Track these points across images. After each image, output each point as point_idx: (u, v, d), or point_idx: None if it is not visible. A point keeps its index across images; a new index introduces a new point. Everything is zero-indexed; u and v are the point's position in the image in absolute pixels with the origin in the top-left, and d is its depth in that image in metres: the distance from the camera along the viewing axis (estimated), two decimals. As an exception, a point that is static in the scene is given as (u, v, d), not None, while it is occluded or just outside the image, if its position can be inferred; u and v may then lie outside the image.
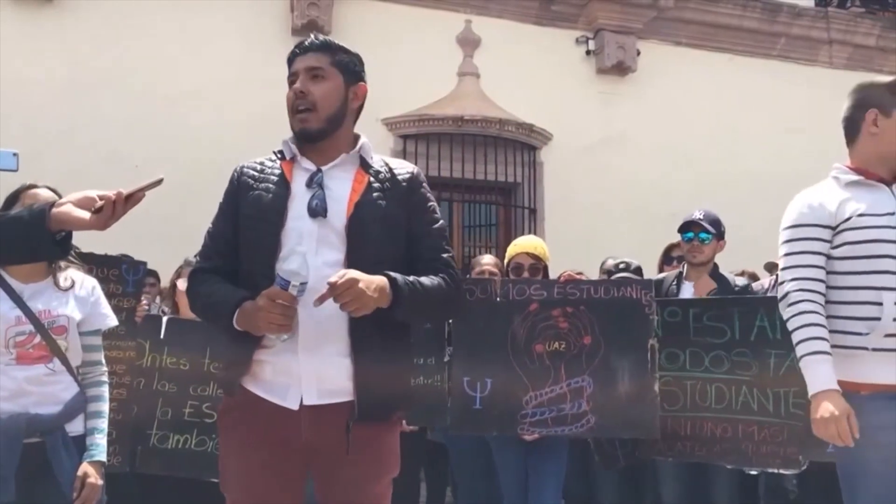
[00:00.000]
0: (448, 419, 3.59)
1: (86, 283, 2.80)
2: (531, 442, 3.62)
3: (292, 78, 2.19)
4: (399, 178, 2.21)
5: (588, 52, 8.73)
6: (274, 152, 2.24)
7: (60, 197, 2.17)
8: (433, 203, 2.27)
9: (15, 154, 2.72)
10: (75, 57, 7.06)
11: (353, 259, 2.05)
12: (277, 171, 2.18)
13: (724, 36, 9.11)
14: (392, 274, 2.04)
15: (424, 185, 2.27)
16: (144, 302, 4.15)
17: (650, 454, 3.67)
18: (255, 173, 2.20)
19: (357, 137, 2.25)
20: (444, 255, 2.21)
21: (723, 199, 7.34)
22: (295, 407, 2.04)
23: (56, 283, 2.71)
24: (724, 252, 4.24)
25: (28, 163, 2.77)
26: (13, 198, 2.67)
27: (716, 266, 4.16)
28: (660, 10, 8.73)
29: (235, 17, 7.46)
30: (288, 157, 2.20)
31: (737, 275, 4.67)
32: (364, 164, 2.19)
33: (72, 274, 2.77)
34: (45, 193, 2.64)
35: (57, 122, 6.83)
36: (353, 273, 1.96)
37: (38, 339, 2.61)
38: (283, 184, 2.14)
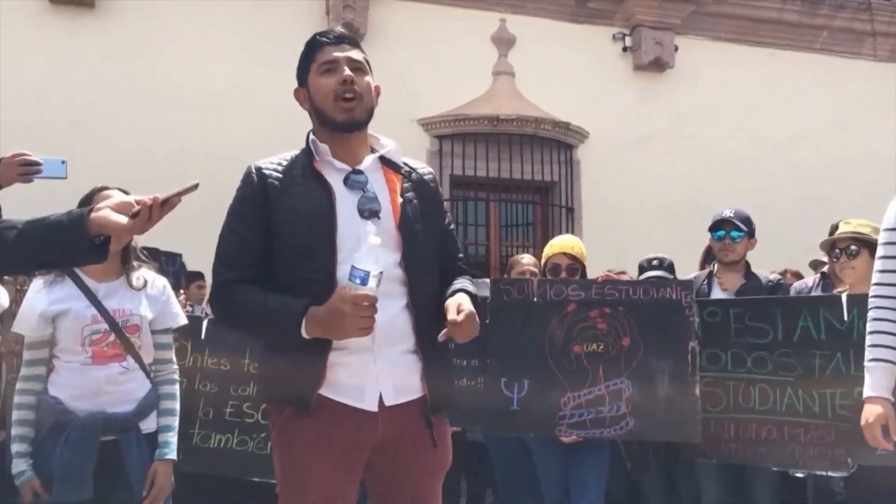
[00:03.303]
0: (485, 420, 3.57)
1: (157, 283, 2.87)
2: (571, 443, 3.59)
3: (328, 66, 2.10)
4: (425, 178, 2.23)
5: (625, 49, 8.65)
6: (301, 151, 2.17)
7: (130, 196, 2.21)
8: (446, 204, 2.36)
9: (63, 161, 2.76)
10: (116, 61, 7.20)
11: (409, 258, 2.07)
12: (310, 172, 2.09)
13: (764, 30, 8.96)
14: (467, 287, 2.12)
15: (439, 186, 2.33)
16: (182, 293, 4.24)
17: (693, 456, 3.62)
18: (280, 174, 2.10)
19: (374, 138, 2.23)
20: (462, 255, 2.29)
21: (764, 198, 7.24)
22: (374, 408, 2.02)
23: (129, 283, 2.77)
24: (770, 251, 4.17)
25: (73, 166, 2.82)
26: (87, 200, 2.71)
27: (747, 264, 4.09)
28: (698, 4, 8.62)
29: (271, 20, 7.53)
30: (316, 156, 2.12)
31: (779, 273, 4.59)
32: (389, 165, 2.18)
33: (144, 273, 2.84)
34: (116, 195, 2.67)
35: (100, 126, 6.96)
36: (467, 305, 2.01)
37: (112, 337, 2.68)
38: (324, 185, 2.07)
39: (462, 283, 2.17)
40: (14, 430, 2.66)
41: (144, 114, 7.13)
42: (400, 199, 2.11)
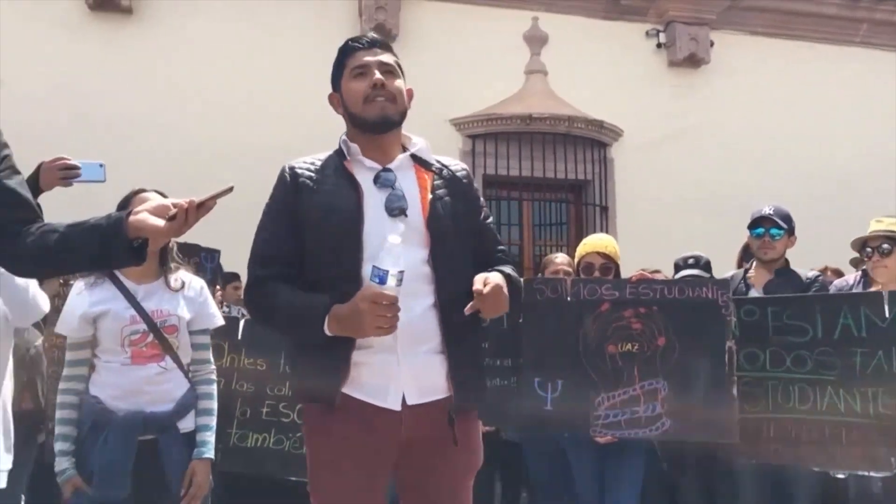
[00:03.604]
0: (519, 420, 3.56)
1: (194, 284, 2.92)
2: (606, 444, 3.57)
3: (360, 70, 2.13)
4: (458, 175, 2.23)
5: (659, 46, 8.57)
6: (334, 152, 2.19)
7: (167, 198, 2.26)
8: (481, 198, 2.33)
9: (101, 165, 2.81)
10: (153, 65, 7.32)
11: (437, 256, 2.07)
12: (341, 171, 2.12)
13: (802, 23, 8.80)
14: (504, 269, 2.12)
15: (474, 182, 2.32)
16: (219, 289, 4.30)
17: (731, 457, 3.57)
18: (312, 173, 2.13)
19: (406, 138, 2.25)
20: (503, 247, 2.27)
21: (802, 195, 7.12)
22: (397, 407, 2.03)
23: (167, 284, 2.83)
24: (810, 248, 4.10)
25: (109, 171, 2.87)
26: (125, 202, 2.78)
27: (786, 262, 4.02)
28: (734, -2, 8.51)
29: (303, 23, 7.59)
30: (348, 156, 2.15)
31: (819, 270, 4.51)
32: (420, 163, 2.19)
33: (182, 275, 2.90)
34: (153, 197, 2.73)
35: (135, 131, 7.07)
36: (495, 278, 2.01)
37: (150, 337, 2.73)
38: (353, 184, 2.09)
39: (500, 267, 2.17)
40: (57, 429, 2.72)
41: (181, 116, 7.23)
42: (430, 197, 2.11)
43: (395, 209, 2.07)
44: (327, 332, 1.98)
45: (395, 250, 1.92)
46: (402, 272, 1.91)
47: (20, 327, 2.94)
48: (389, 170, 2.13)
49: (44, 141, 5.56)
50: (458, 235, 2.11)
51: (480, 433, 2.23)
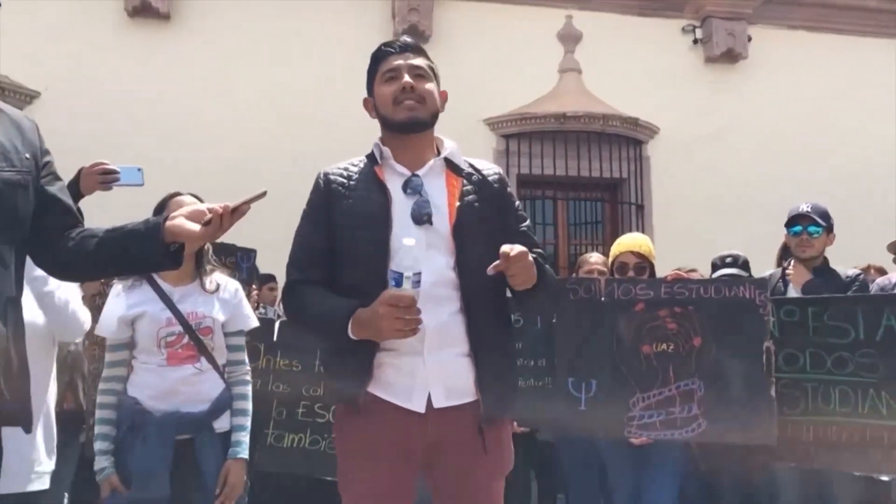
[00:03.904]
0: (553, 421, 3.55)
1: (229, 286, 2.97)
2: (641, 445, 3.53)
3: (391, 74, 2.16)
4: (489, 179, 2.22)
5: (695, 41, 8.47)
6: (366, 157, 2.22)
7: (202, 203, 2.30)
8: (518, 202, 2.31)
9: (139, 169, 2.87)
10: (191, 71, 7.43)
11: (463, 262, 2.08)
12: (371, 177, 2.15)
13: (842, 17, 8.63)
14: (533, 252, 2.10)
15: (509, 185, 2.30)
16: (255, 289, 4.35)
17: (769, 460, 3.52)
18: (344, 179, 2.16)
19: (439, 141, 2.25)
20: (538, 251, 2.24)
21: (843, 192, 6.98)
22: (422, 410, 2.04)
23: (203, 286, 2.87)
24: (852, 247, 4.01)
25: (148, 175, 2.93)
26: (161, 206, 2.84)
27: (825, 260, 3.94)
28: (772, -8, 8.37)
29: (337, 26, 7.64)
30: (379, 161, 2.18)
31: (861, 269, 4.42)
32: (452, 167, 2.20)
33: (217, 277, 2.94)
34: (188, 200, 2.78)
35: (175, 136, 7.19)
36: (521, 246, 2.00)
37: (186, 339, 2.78)
38: (381, 190, 2.11)
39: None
40: (96, 429, 2.77)
41: (218, 120, 7.33)
42: (458, 203, 2.12)
43: (422, 216, 2.08)
44: (351, 336, 2.01)
45: (412, 252, 1.93)
46: (418, 274, 1.92)
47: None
48: (418, 176, 2.15)
49: (85, 146, 5.70)
50: (485, 241, 2.10)
51: (510, 435, 2.23)
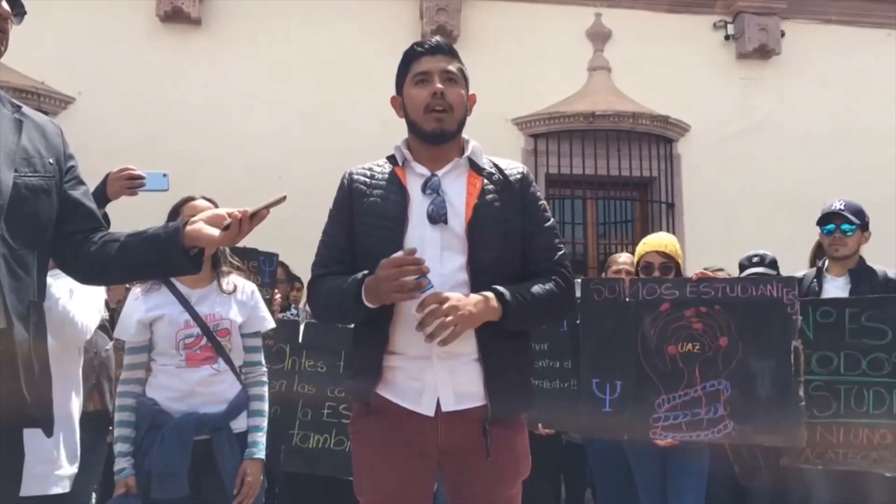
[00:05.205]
0: (578, 422, 3.52)
1: (246, 288, 3.00)
2: (667, 446, 3.49)
3: (422, 77, 2.15)
4: (511, 178, 2.20)
5: (727, 37, 8.34)
6: (388, 157, 2.24)
7: (217, 207, 2.33)
8: (543, 202, 2.26)
9: (165, 175, 2.91)
10: (222, 75, 7.51)
11: (475, 262, 2.07)
12: (391, 177, 2.16)
13: (879, 10, 8.44)
14: (500, 288, 2.03)
15: (534, 184, 2.26)
16: (277, 292, 4.38)
17: (796, 462, 3.45)
18: (367, 179, 2.18)
19: (465, 141, 2.24)
20: (558, 255, 2.19)
21: (878, 191, 6.82)
22: (431, 413, 2.04)
23: (220, 288, 2.91)
24: (888, 245, 3.91)
25: (179, 178, 2.97)
26: (176, 210, 2.88)
27: (861, 259, 3.85)
28: (805, -14, 8.22)
29: (366, 27, 7.66)
30: (400, 162, 2.19)
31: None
32: (475, 167, 2.19)
33: (234, 279, 2.98)
34: (203, 204, 2.83)
35: (205, 139, 7.27)
36: (449, 296, 1.97)
37: (204, 341, 2.81)
38: (400, 189, 2.12)
39: (520, 284, 2.09)
40: (116, 431, 2.81)
41: (248, 124, 7.39)
42: (475, 202, 2.11)
43: (437, 216, 2.08)
44: (366, 304, 2.02)
45: (425, 254, 1.99)
46: (413, 249, 1.97)
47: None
48: (437, 175, 2.15)
49: (118, 150, 5.79)
50: (501, 242, 2.09)
51: (526, 439, 2.20)
